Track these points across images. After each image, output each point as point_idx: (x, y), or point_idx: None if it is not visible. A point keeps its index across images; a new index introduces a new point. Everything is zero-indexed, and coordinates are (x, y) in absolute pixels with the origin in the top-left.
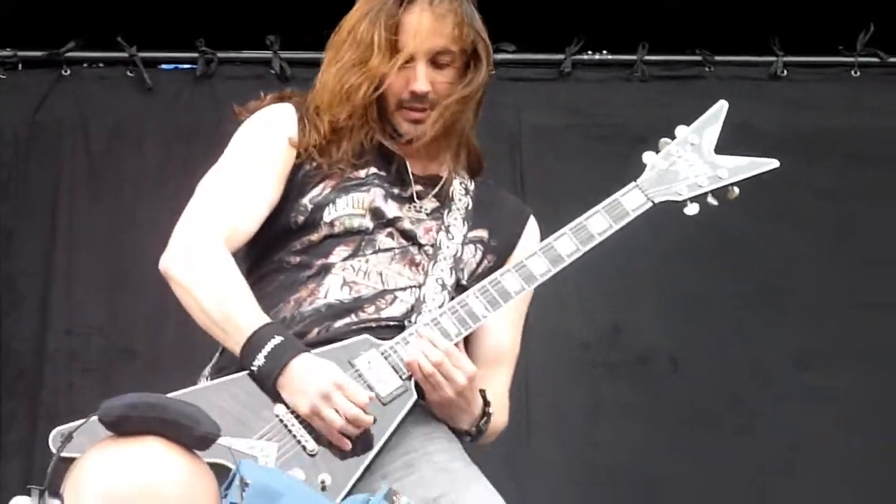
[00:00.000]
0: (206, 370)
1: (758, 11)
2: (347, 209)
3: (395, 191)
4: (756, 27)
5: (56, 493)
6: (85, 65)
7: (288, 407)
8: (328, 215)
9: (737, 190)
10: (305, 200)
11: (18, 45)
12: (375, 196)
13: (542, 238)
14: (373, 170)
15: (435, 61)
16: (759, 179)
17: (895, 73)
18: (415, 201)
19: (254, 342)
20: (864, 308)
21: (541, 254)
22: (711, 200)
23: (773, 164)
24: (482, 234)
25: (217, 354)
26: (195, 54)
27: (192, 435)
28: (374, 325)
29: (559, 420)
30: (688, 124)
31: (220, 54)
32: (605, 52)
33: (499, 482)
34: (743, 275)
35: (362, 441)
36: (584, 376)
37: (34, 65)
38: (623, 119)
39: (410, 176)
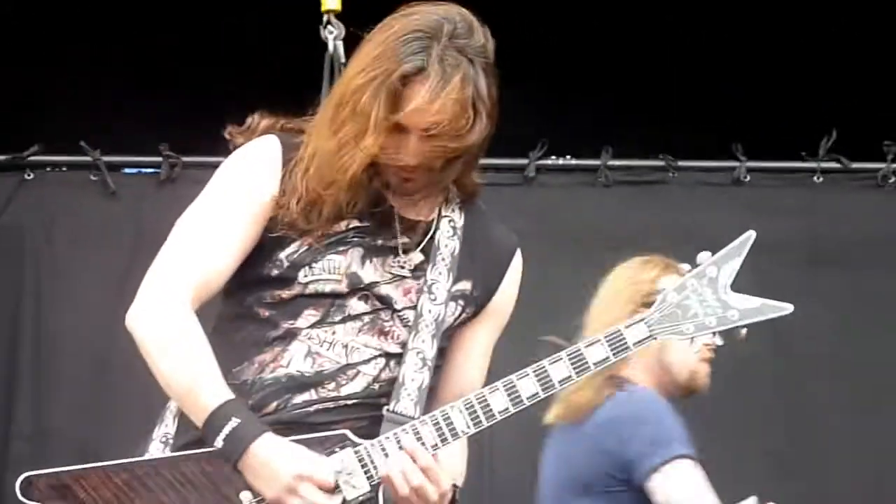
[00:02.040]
0: (166, 427)
1: (721, 117)
2: (323, 274)
3: (378, 242)
4: (719, 133)
5: None
6: (48, 168)
7: (253, 493)
8: (303, 276)
9: (744, 331)
10: (282, 256)
11: None
12: (353, 259)
13: (523, 274)
14: (354, 222)
15: (428, 130)
16: None
17: (857, 179)
18: (399, 255)
19: (213, 422)
20: (821, 414)
21: (533, 375)
22: (717, 339)
23: (787, 308)
24: (466, 286)
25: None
26: (159, 158)
27: None
28: (332, 404)
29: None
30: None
31: (185, 158)
32: (568, 156)
33: None
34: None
35: None
36: None
37: None
38: (587, 224)
39: (398, 226)
